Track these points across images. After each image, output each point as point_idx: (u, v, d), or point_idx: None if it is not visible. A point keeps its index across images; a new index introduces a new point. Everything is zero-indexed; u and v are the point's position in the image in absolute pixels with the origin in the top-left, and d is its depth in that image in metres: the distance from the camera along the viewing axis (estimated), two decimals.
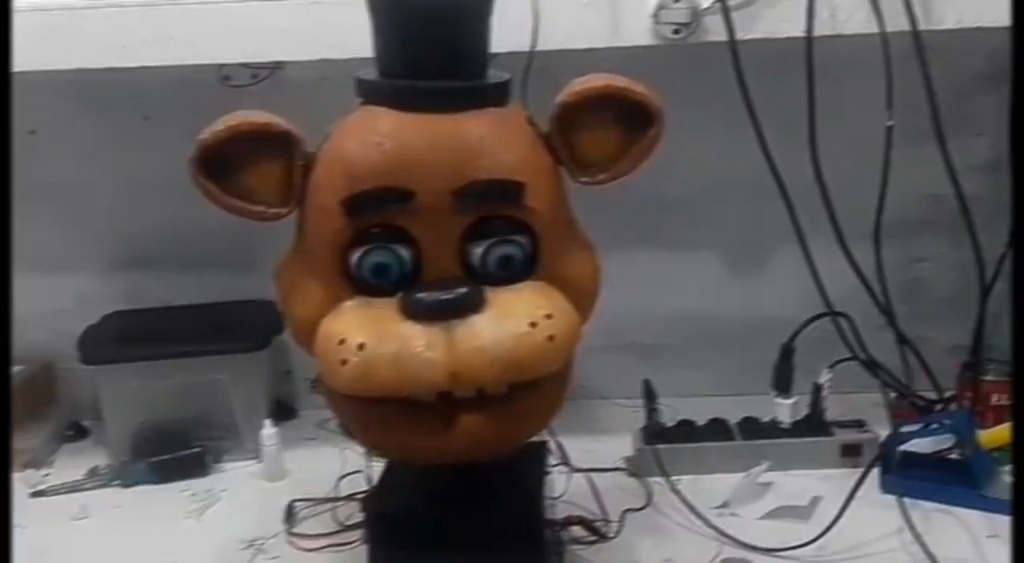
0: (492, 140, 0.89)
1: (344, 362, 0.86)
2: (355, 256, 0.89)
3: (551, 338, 0.88)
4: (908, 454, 1.16)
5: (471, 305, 0.88)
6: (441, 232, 0.89)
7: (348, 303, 0.89)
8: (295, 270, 0.94)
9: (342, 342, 0.86)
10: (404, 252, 0.89)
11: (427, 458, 0.94)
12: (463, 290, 0.88)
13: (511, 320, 0.87)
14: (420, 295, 0.87)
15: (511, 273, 0.91)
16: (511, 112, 0.93)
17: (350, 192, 0.87)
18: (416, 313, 0.87)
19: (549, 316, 0.88)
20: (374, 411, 0.91)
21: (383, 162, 0.87)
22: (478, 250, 0.90)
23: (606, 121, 0.92)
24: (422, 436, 0.91)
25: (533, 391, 0.92)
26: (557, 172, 0.93)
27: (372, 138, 0.87)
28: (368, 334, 0.86)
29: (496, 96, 0.93)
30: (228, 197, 0.88)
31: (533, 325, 0.87)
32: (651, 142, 0.92)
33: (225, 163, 0.87)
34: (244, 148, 0.87)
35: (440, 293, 0.87)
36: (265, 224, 0.90)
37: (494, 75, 0.94)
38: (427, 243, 0.89)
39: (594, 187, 0.93)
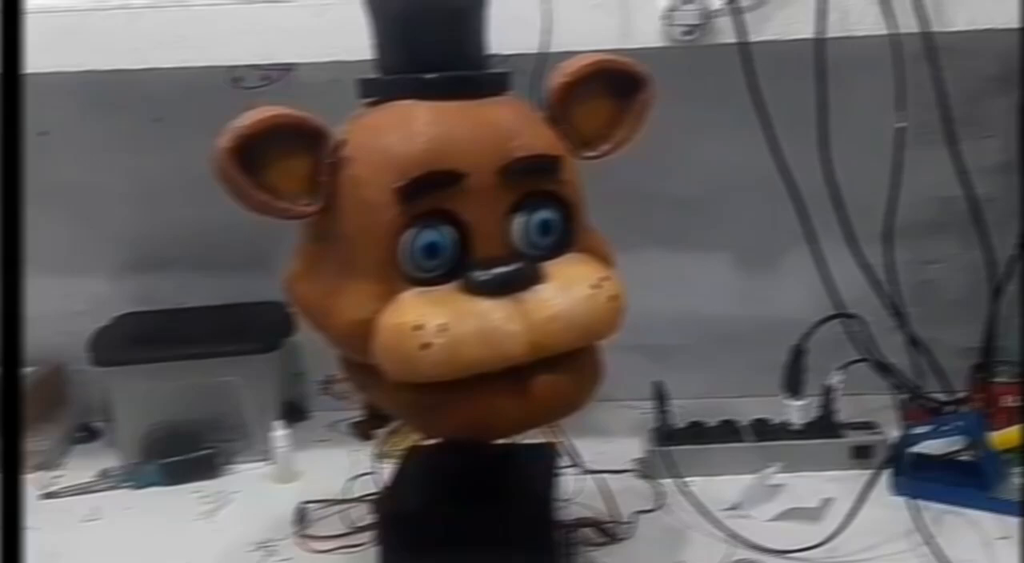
0: (521, 122, 0.93)
1: (426, 346, 0.85)
2: (405, 240, 0.88)
3: (614, 298, 0.91)
4: (919, 456, 1.16)
5: (534, 276, 0.90)
6: (488, 211, 0.90)
7: (406, 294, 0.88)
8: (326, 274, 0.92)
9: (418, 327, 0.85)
10: (451, 234, 0.90)
11: (506, 429, 0.95)
12: (522, 263, 0.90)
13: (576, 286, 0.91)
14: (479, 273, 0.88)
15: (550, 246, 0.93)
16: (519, 99, 0.96)
17: (402, 180, 0.87)
18: (483, 290, 0.88)
19: (606, 278, 0.92)
20: (447, 393, 0.90)
21: (430, 148, 0.88)
22: (520, 221, 0.91)
23: (598, 95, 0.95)
24: (500, 407, 0.91)
25: (588, 352, 0.95)
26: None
27: (413, 127, 0.89)
28: (446, 315, 0.86)
29: (507, 84, 0.96)
30: (256, 191, 0.86)
31: (596, 288, 0.90)
32: (644, 107, 0.96)
33: (252, 157, 0.85)
34: (272, 143, 0.86)
35: (501, 268, 0.89)
36: (277, 226, 0.90)
37: (496, 64, 0.98)
38: (475, 223, 0.90)
39: (599, 160, 0.96)
